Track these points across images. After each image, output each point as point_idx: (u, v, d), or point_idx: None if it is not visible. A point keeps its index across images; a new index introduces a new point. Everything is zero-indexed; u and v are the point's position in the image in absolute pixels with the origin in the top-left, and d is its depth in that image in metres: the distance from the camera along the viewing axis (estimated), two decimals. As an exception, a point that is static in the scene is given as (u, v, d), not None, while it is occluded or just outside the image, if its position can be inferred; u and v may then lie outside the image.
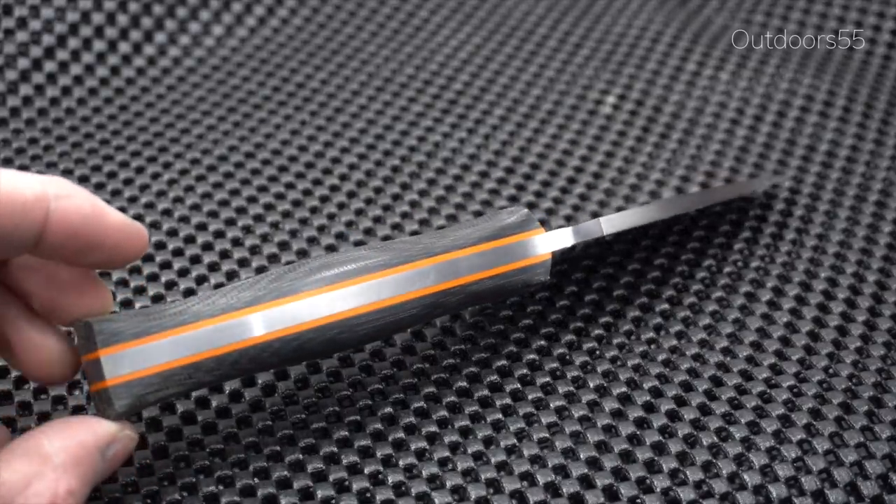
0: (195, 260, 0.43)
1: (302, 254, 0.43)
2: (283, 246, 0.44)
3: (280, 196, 0.46)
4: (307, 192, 0.46)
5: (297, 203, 0.46)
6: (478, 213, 0.46)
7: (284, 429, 0.36)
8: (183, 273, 0.42)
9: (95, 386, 0.31)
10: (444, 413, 0.37)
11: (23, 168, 0.45)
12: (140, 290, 0.41)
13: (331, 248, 0.43)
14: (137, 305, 0.40)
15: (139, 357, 0.31)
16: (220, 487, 0.34)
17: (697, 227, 0.45)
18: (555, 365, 0.39)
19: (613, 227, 0.38)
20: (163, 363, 0.31)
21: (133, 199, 0.45)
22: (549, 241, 0.37)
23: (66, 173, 0.46)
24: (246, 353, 0.32)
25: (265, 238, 0.44)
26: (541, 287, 0.38)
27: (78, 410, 0.36)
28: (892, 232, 0.45)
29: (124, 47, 0.53)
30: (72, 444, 0.30)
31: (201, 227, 0.44)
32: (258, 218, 0.45)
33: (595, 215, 0.46)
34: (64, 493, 0.29)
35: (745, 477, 0.35)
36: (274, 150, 0.48)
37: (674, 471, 0.35)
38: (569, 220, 0.45)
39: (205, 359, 0.31)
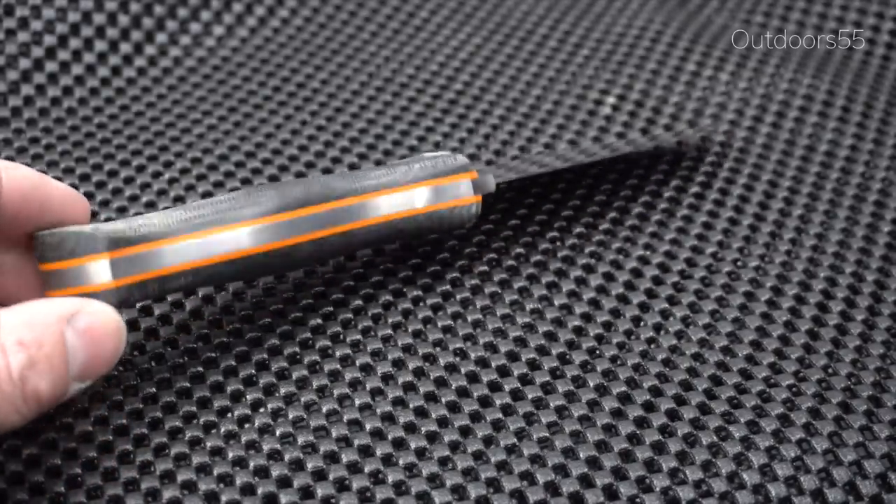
0: (196, 259, 0.43)
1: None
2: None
3: (280, 196, 0.46)
4: (307, 192, 0.46)
5: (297, 203, 0.46)
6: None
7: (284, 427, 0.36)
8: (183, 272, 0.42)
9: (42, 265, 0.34)
10: (443, 412, 0.37)
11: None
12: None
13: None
14: (137, 305, 0.40)
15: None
16: (221, 486, 0.34)
17: (696, 225, 0.45)
18: (554, 364, 0.39)
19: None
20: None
21: (134, 198, 0.45)
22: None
23: (67, 172, 0.46)
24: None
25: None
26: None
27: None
28: (892, 232, 0.45)
29: (125, 47, 0.53)
30: (18, 312, 0.30)
31: (202, 226, 0.44)
32: (259, 217, 0.45)
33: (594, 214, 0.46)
34: (13, 344, 0.29)
35: (745, 476, 0.35)
36: (274, 149, 0.48)
37: (673, 470, 0.35)
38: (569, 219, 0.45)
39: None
